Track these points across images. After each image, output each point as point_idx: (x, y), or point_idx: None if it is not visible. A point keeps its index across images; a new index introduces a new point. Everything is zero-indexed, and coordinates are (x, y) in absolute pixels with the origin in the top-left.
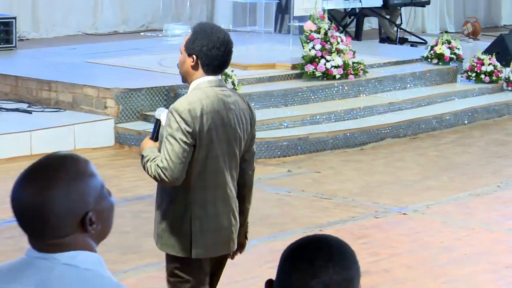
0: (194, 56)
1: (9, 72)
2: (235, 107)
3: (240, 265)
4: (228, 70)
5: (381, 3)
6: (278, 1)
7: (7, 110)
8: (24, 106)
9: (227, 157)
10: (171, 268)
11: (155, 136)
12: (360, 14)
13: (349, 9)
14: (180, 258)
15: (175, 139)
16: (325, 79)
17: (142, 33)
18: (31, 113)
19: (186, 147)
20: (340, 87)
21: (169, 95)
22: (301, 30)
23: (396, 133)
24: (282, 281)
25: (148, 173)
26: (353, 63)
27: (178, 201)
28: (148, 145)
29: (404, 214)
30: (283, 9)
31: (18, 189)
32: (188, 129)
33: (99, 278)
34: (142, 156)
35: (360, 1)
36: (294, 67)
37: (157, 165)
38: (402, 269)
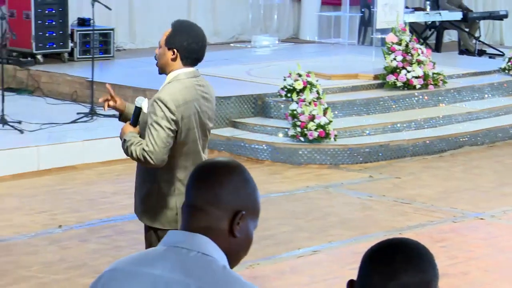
0: (174, 50)
1: (106, 80)
2: (208, 95)
3: (322, 265)
4: (313, 80)
5: (461, 16)
6: (362, 15)
7: (104, 116)
8: None
9: (201, 140)
10: (152, 239)
11: (135, 122)
12: (440, 27)
13: (429, 22)
14: (164, 230)
15: (160, 125)
16: (405, 89)
17: (232, 44)
18: None
19: (170, 133)
20: (420, 97)
21: (256, 103)
22: (383, 42)
23: (474, 141)
24: (363, 282)
25: (130, 155)
26: (433, 73)
27: (163, 180)
28: (129, 130)
29: (481, 219)
30: (366, 22)
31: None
32: (172, 117)
33: (229, 273)
34: (124, 140)
35: (440, 15)
36: (376, 77)
37: (143, 149)
38: (480, 273)
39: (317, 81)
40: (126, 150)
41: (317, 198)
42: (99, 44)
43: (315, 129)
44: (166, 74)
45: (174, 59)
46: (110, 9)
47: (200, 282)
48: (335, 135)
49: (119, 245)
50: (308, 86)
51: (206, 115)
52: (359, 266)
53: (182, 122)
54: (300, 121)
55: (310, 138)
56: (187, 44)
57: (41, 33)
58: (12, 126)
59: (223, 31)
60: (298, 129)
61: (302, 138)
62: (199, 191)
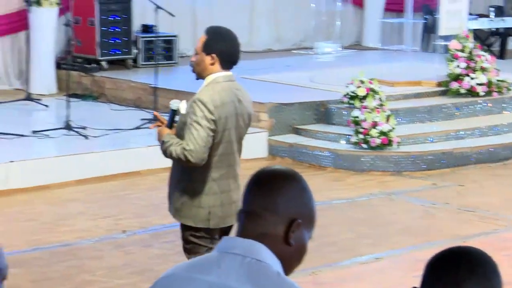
0: (213, 55)
1: (170, 87)
2: (243, 99)
3: (385, 273)
4: (375, 87)
5: None
6: (425, 21)
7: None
8: None
9: (236, 141)
10: (187, 235)
11: (170, 124)
12: (504, 34)
13: (493, 29)
14: (196, 228)
15: (201, 125)
16: (469, 96)
17: (294, 51)
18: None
19: (210, 132)
20: (484, 104)
21: (319, 110)
22: (446, 49)
23: None
24: None
25: (170, 155)
26: (497, 81)
27: (198, 180)
28: (166, 132)
29: None
30: (429, 29)
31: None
32: (211, 117)
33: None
34: (163, 142)
35: (504, 21)
36: (439, 84)
37: (184, 148)
38: None
39: (380, 88)
40: (165, 151)
41: (380, 205)
42: (163, 50)
43: (378, 136)
44: (203, 79)
45: (212, 64)
46: (173, 15)
47: None
48: (398, 142)
49: (182, 251)
50: (371, 93)
51: (241, 118)
52: (422, 274)
53: (220, 122)
54: (362, 128)
55: (373, 145)
56: (226, 48)
57: (105, 40)
58: (77, 132)
59: (286, 38)
60: (361, 136)
61: (364, 145)
62: (256, 197)
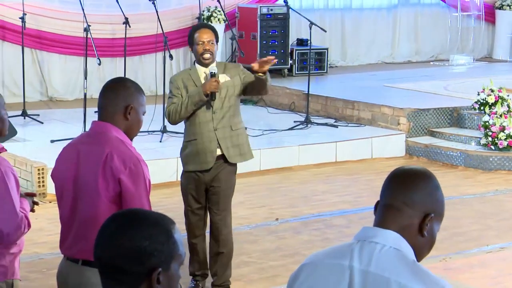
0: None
1: (320, 93)
2: None
3: (509, 261)
4: (504, 95)
5: None
6: None
7: (318, 124)
8: (331, 121)
9: None
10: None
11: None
12: None
13: None
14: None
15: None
16: None
17: (431, 63)
18: (337, 127)
19: None
20: None
21: (452, 115)
22: None
23: None
24: None
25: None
26: None
27: (241, 122)
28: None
29: None
30: None
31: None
32: None
33: (419, 266)
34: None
35: None
36: None
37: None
38: None
39: (508, 96)
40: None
41: (506, 200)
42: (315, 61)
43: (505, 139)
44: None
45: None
46: (325, 31)
47: (394, 275)
48: None
49: (328, 237)
50: (500, 100)
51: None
52: None
53: None
54: (491, 131)
55: (500, 146)
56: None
57: (265, 52)
58: None
59: (424, 51)
60: (490, 139)
61: (493, 147)
62: (397, 193)
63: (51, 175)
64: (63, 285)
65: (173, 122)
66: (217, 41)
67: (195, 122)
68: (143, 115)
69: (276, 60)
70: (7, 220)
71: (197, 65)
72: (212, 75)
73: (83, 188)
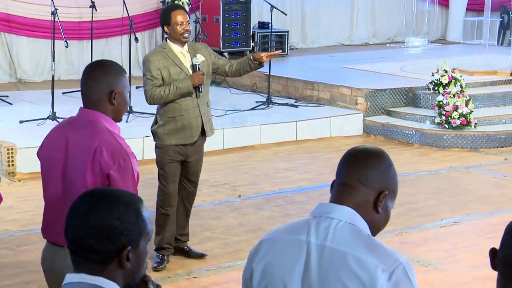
0: None
1: (281, 75)
2: None
3: (462, 235)
4: (457, 75)
5: None
6: (501, 20)
7: (279, 104)
8: (292, 101)
9: None
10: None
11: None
12: None
13: None
14: None
15: None
16: None
17: (387, 45)
18: (297, 107)
19: None
20: None
21: (408, 95)
22: None
23: None
24: (505, 251)
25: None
26: None
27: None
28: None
29: None
30: (505, 26)
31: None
32: None
33: (374, 240)
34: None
35: None
36: None
37: None
38: None
39: (461, 76)
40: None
41: (459, 177)
42: (276, 44)
43: (458, 118)
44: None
45: None
46: (285, 14)
47: (350, 248)
48: (475, 123)
49: (289, 213)
50: (453, 80)
51: None
52: (502, 237)
53: None
54: (445, 110)
55: (454, 125)
56: None
57: (227, 34)
58: None
59: (381, 33)
60: (443, 118)
61: (446, 125)
62: (352, 171)
63: (37, 154)
64: (49, 271)
65: (153, 104)
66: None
67: (180, 100)
68: (129, 94)
69: (280, 51)
70: None
71: (170, 43)
72: (196, 68)
73: (72, 180)
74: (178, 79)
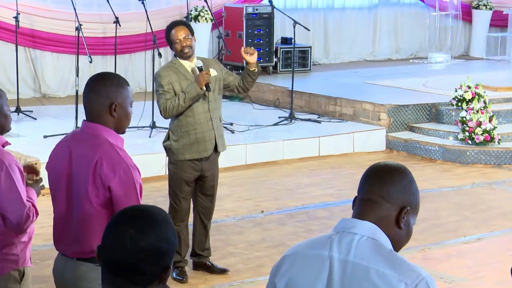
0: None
1: (304, 90)
2: None
3: (485, 251)
4: (480, 91)
5: None
6: None
7: (302, 120)
8: (315, 117)
9: None
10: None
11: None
12: None
13: None
14: None
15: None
16: None
17: (410, 60)
18: (320, 122)
19: None
20: None
21: (431, 111)
22: None
23: None
24: None
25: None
26: None
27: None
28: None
29: None
30: None
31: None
32: None
33: (396, 255)
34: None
35: None
36: None
37: None
38: None
39: (484, 92)
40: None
41: (482, 193)
42: (299, 59)
43: (482, 134)
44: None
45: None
46: (308, 30)
47: (372, 263)
48: (499, 139)
49: (311, 229)
50: (476, 96)
51: None
52: None
53: None
54: (468, 126)
55: (477, 141)
56: None
57: None
58: (225, 127)
59: (404, 49)
60: (467, 134)
61: (470, 141)
62: (374, 187)
63: (46, 167)
64: (59, 280)
65: (169, 117)
66: (192, 34)
67: (194, 113)
68: (131, 106)
69: (253, 49)
70: (16, 211)
71: (179, 59)
72: (200, 69)
73: (75, 193)
74: None
